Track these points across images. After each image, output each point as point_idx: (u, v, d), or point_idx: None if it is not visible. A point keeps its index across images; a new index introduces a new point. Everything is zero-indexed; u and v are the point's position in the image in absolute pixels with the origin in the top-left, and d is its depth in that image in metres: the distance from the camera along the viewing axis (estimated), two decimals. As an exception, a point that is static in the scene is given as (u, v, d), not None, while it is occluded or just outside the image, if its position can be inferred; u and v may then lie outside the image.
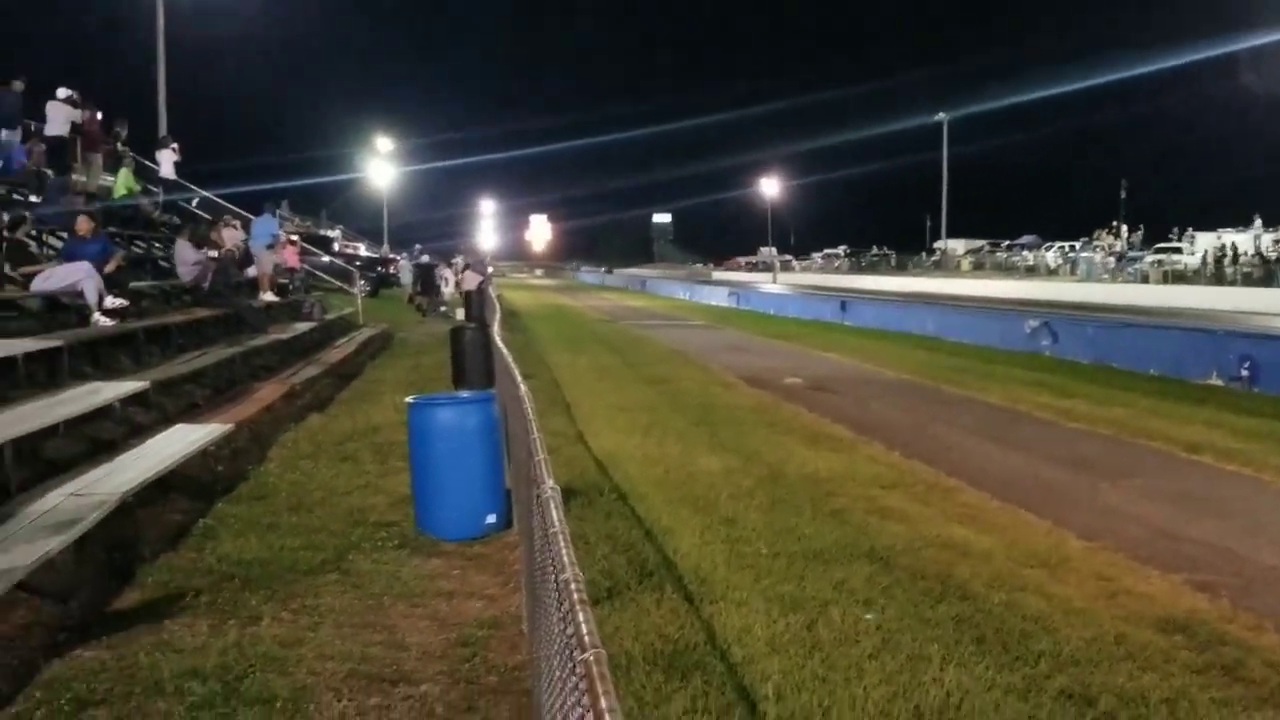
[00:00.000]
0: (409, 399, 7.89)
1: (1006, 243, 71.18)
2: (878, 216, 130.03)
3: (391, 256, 50.56)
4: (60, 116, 18.45)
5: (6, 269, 11.78)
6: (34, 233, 13.38)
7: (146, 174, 21.68)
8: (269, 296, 18.89)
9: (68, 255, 12.18)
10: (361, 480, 8.97)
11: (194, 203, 24.06)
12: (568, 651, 2.06)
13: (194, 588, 6.02)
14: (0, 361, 8.67)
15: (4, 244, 12.20)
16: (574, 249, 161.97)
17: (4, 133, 17.84)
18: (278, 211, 22.71)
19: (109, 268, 12.05)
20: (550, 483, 3.25)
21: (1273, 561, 7.40)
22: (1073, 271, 53.48)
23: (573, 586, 2.24)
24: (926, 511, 8.41)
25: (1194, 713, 4.71)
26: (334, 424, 11.76)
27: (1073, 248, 59.64)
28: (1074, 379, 18.15)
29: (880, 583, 6.40)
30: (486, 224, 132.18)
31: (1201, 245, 48.22)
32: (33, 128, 18.73)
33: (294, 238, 28.49)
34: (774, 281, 72.68)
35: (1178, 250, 49.23)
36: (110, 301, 11.66)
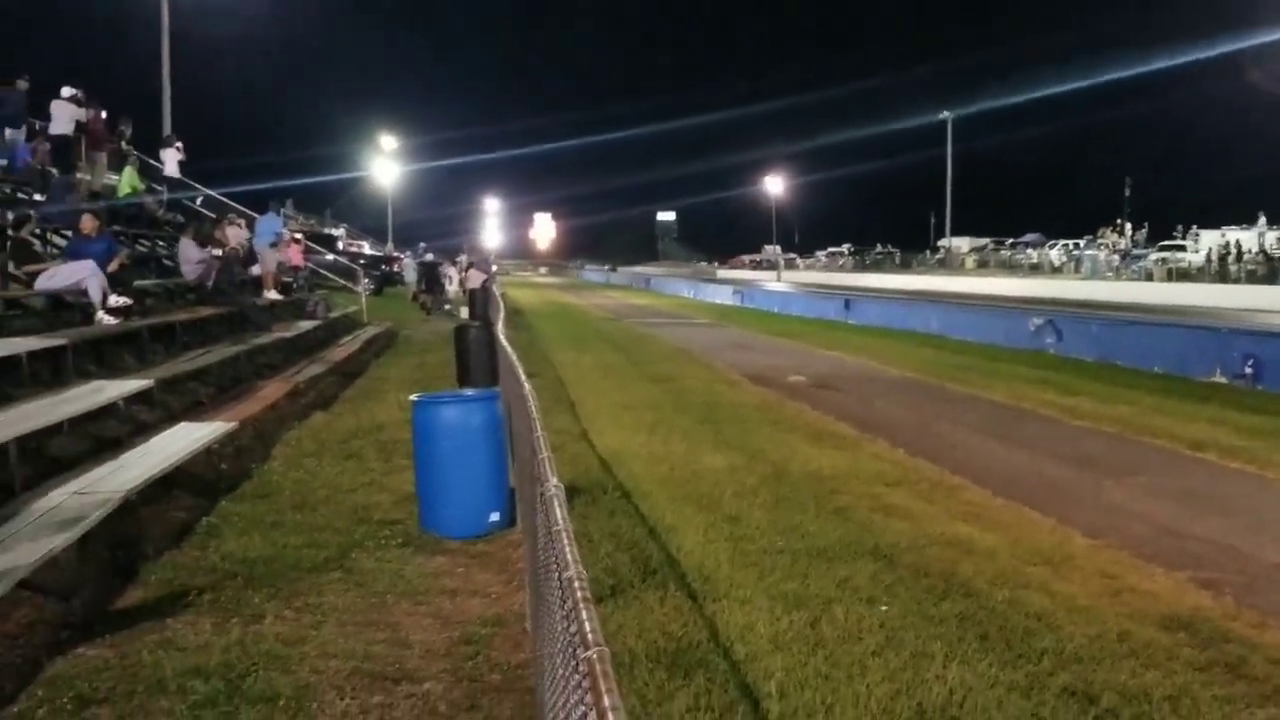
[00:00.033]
0: (413, 397, 7.89)
1: (1011, 240, 71.22)
2: (882, 214, 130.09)
3: (395, 255, 50.61)
4: (65, 115, 18.47)
5: (11, 267, 11.79)
6: (38, 231, 13.39)
7: (151, 172, 21.71)
8: (273, 295, 18.91)
9: (72, 254, 12.20)
10: (365, 478, 8.98)
11: (198, 201, 24.09)
12: (571, 649, 2.06)
13: (197, 586, 6.02)
14: (5, 360, 8.69)
15: (8, 242, 12.22)
16: (578, 247, 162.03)
17: (9, 131, 17.91)
18: (282, 210, 22.71)
19: (113, 266, 12.07)
20: (554, 481, 3.25)
21: (1276, 559, 7.39)
22: (1077, 269, 53.50)
23: (576, 584, 2.24)
24: (930, 509, 8.40)
25: (1197, 710, 4.71)
26: (338, 422, 11.77)
27: (1077, 245, 59.69)
28: (1078, 377, 18.14)
29: (884, 580, 6.39)
30: (491, 222, 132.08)
31: (1206, 243, 48.23)
32: (37, 126, 18.77)
33: (298, 236, 28.47)
34: (778, 279, 72.71)
35: (1182, 248, 49.26)
36: (114, 300, 11.68)
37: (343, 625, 5.51)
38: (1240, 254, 43.71)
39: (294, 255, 24.20)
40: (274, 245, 20.10)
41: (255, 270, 19.15)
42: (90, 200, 15.74)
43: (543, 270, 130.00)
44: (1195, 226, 51.93)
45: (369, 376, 16.51)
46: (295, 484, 8.72)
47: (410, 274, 40.73)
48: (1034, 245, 65.67)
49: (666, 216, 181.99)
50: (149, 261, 16.94)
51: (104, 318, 11.35)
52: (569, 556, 2.47)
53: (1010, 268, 60.30)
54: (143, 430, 8.89)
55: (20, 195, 15.57)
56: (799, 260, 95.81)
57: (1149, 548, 7.48)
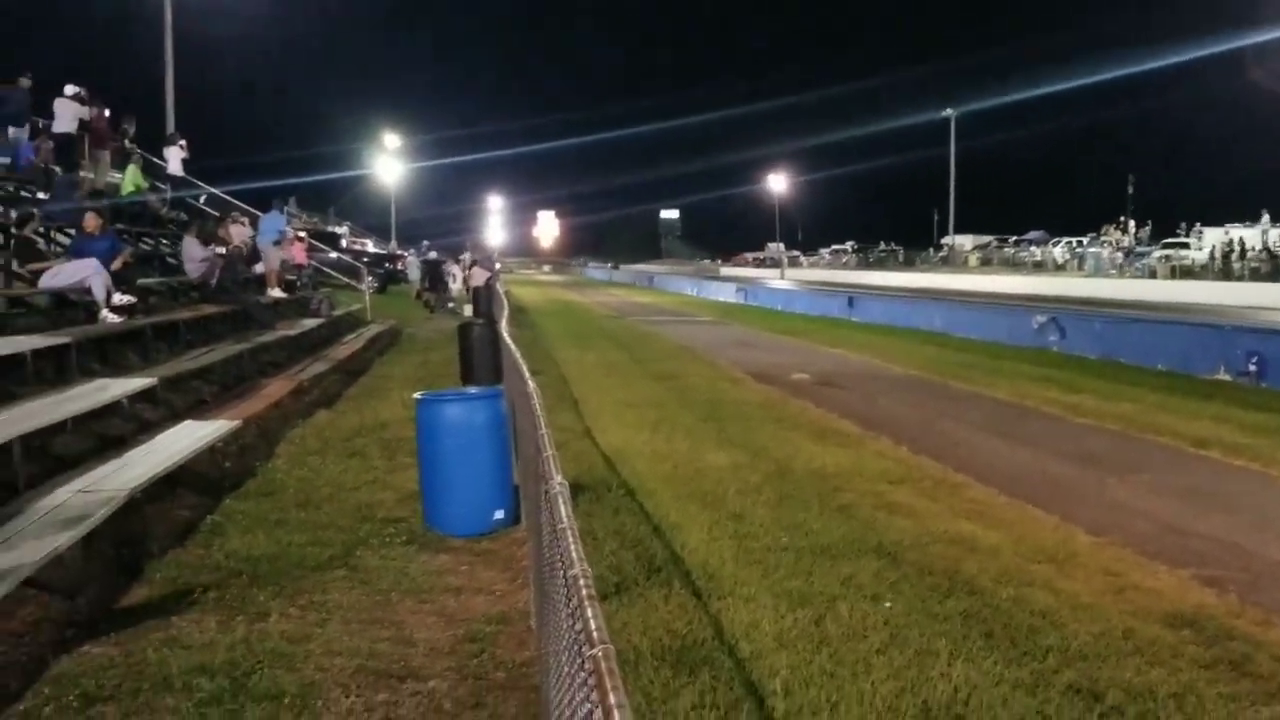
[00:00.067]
0: (417, 395, 7.90)
1: (1014, 238, 71.09)
2: (885, 212, 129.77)
3: (399, 253, 50.58)
4: (68, 113, 18.47)
5: (15, 266, 11.81)
6: (42, 230, 13.40)
7: (154, 171, 21.72)
8: (276, 293, 18.93)
9: (76, 252, 12.21)
10: (369, 476, 8.99)
11: (201, 199, 24.11)
12: (576, 647, 2.06)
13: (202, 584, 6.03)
14: (9, 358, 8.70)
15: (12, 241, 12.24)
16: (582, 245, 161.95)
17: (12, 130, 17.93)
18: (285, 208, 22.73)
19: (116, 264, 12.08)
20: (559, 478, 3.25)
21: (1281, 557, 7.38)
22: (1080, 267, 53.38)
23: (581, 582, 2.24)
24: (934, 507, 8.40)
25: (1201, 707, 4.71)
26: (342, 420, 11.78)
27: (1080, 243, 59.57)
28: (1081, 374, 18.13)
29: (888, 578, 6.39)
30: (494, 220, 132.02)
31: (1209, 240, 48.15)
32: (40, 125, 18.78)
33: (301, 234, 28.52)
34: (782, 277, 72.63)
35: (1185, 245, 49.15)
36: (118, 298, 11.69)
37: (347, 623, 5.51)
38: (1244, 251, 43.61)
39: (298, 253, 24.22)
40: (277, 243, 20.10)
41: (259, 268, 19.18)
42: (93, 198, 15.75)
43: (546, 268, 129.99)
44: (1199, 224, 51.83)
45: (373, 374, 16.53)
46: (299, 482, 8.73)
47: (414, 272, 40.74)
48: (1037, 243, 65.55)
49: (670, 214, 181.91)
50: (152, 260, 16.95)
51: (108, 316, 11.36)
52: (574, 554, 2.47)
53: (1014, 265, 60.20)
54: (147, 428, 8.90)
55: (24, 194, 15.59)
56: (802, 258, 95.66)
57: (1153, 545, 7.47)
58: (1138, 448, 11.40)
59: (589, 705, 1.78)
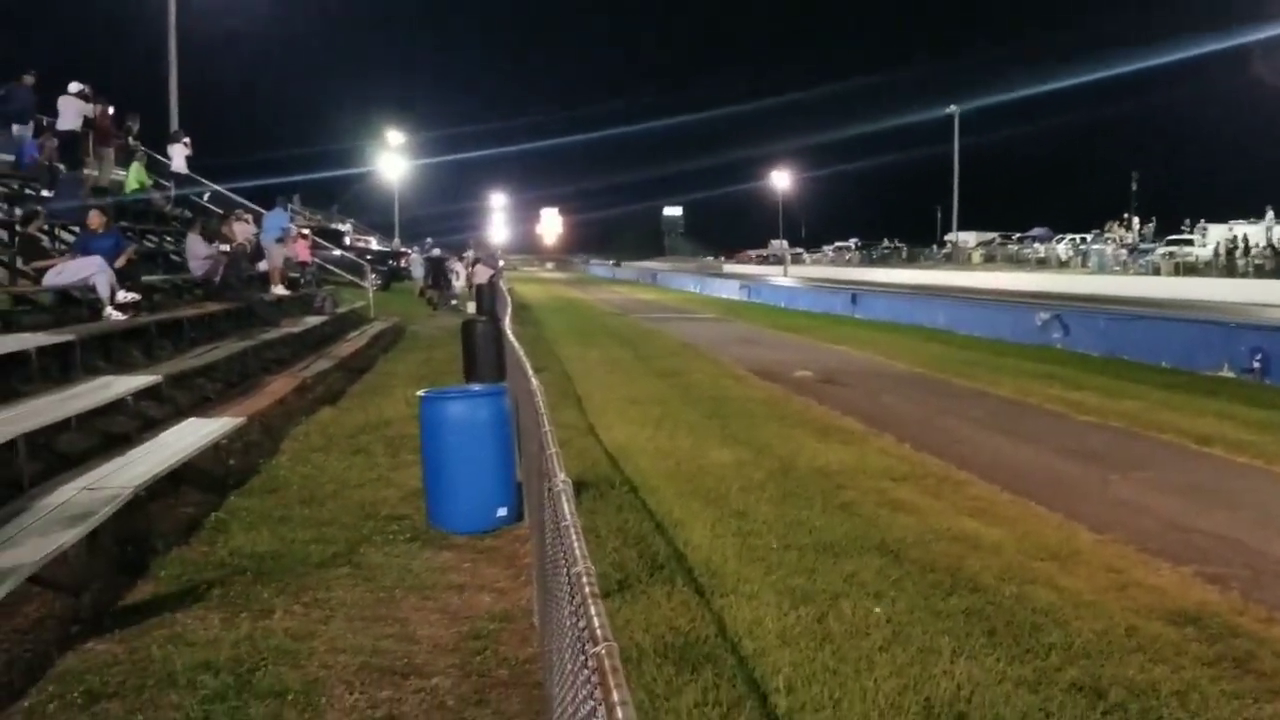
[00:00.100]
0: (420, 392, 7.91)
1: (1018, 235, 71.00)
2: (888, 209, 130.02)
3: (403, 250, 50.55)
4: (72, 111, 18.49)
5: (19, 263, 11.83)
6: (46, 227, 13.43)
7: (158, 168, 21.74)
8: (280, 290, 18.94)
9: (80, 249, 12.24)
10: (373, 473, 9.00)
11: (205, 197, 24.09)
12: (579, 645, 2.06)
13: (206, 581, 6.05)
14: (13, 356, 8.72)
15: (16, 238, 12.26)
16: (585, 242, 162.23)
17: (16, 127, 17.93)
18: (289, 205, 22.69)
19: (120, 262, 12.11)
20: (562, 476, 3.26)
21: (1285, 554, 7.37)
22: (1084, 264, 53.28)
23: (585, 580, 2.25)
24: (937, 504, 8.40)
25: (1205, 705, 4.70)
26: (345, 417, 11.79)
27: (1084, 240, 59.46)
28: (1085, 371, 18.10)
29: (891, 575, 6.40)
30: (497, 217, 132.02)
31: (1213, 237, 47.97)
32: (45, 122, 18.79)
33: (305, 231, 28.51)
34: (785, 274, 72.59)
35: (1189, 242, 49.00)
36: (122, 296, 11.72)
37: (351, 620, 5.52)
38: (1248, 248, 43.47)
39: (301, 251, 24.24)
40: (281, 241, 20.11)
41: (262, 266, 19.19)
42: (98, 196, 15.78)
43: (549, 265, 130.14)
44: (1203, 220, 51.66)
45: (376, 372, 16.54)
46: (303, 479, 8.74)
47: (417, 269, 40.70)
48: (1041, 240, 65.44)
49: (673, 211, 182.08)
50: (156, 257, 17.00)
51: (112, 313, 11.38)
52: (577, 552, 2.48)
53: (1017, 262, 60.11)
54: (151, 426, 8.92)
55: (28, 191, 15.61)
56: (806, 255, 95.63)
57: (1156, 542, 7.47)
58: (1141, 445, 11.38)
59: (592, 703, 1.78)
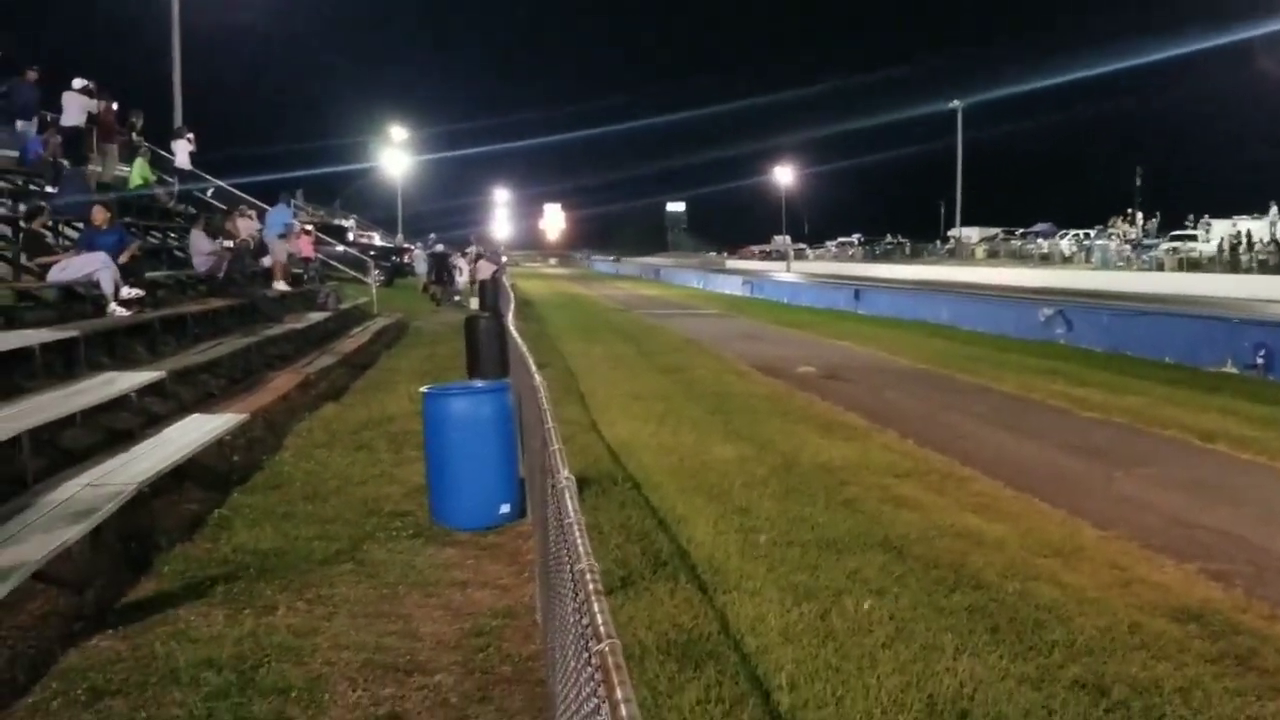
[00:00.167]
0: (424, 388, 7.91)
1: (1021, 230, 71.05)
2: (892, 204, 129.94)
3: (406, 246, 50.55)
4: (76, 107, 18.48)
5: (23, 259, 11.84)
6: (50, 223, 13.42)
7: (162, 164, 21.70)
8: (283, 286, 18.94)
9: (84, 245, 12.24)
10: (376, 470, 9.01)
11: (209, 193, 24.08)
12: (582, 641, 2.06)
13: (209, 577, 6.05)
14: (17, 352, 8.73)
15: (20, 234, 12.26)
16: (588, 238, 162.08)
17: (20, 123, 17.92)
18: (292, 201, 22.70)
19: (124, 258, 12.11)
20: (565, 472, 3.25)
21: (1289, 551, 7.36)
22: (1087, 259, 53.27)
23: (588, 577, 2.25)
24: (940, 500, 8.40)
25: (1208, 702, 4.70)
26: (349, 413, 11.79)
27: (1088, 235, 59.49)
28: (1088, 367, 18.09)
29: (894, 572, 6.39)
30: (500, 213, 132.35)
31: (1217, 233, 47.96)
32: (49, 118, 18.78)
33: (308, 227, 28.50)
34: (788, 270, 72.51)
35: (1193, 238, 49.00)
36: (126, 292, 11.72)
37: (354, 617, 5.53)
38: (1251, 244, 43.45)
39: (304, 247, 24.21)
40: (284, 237, 20.10)
41: (266, 262, 19.19)
42: (101, 192, 15.79)
43: (552, 261, 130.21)
44: (1206, 216, 51.65)
45: (379, 368, 16.55)
46: (306, 475, 8.75)
47: (420, 265, 40.70)
48: (1044, 235, 65.48)
49: (676, 207, 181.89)
50: (160, 253, 17.01)
51: (116, 309, 11.39)
52: (580, 549, 2.48)
53: (1020, 258, 60.10)
54: (154, 422, 8.93)
55: (32, 187, 15.61)
56: (808, 251, 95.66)
57: (1159, 539, 7.47)
58: (1144, 441, 11.38)
59: (596, 700, 1.78)
